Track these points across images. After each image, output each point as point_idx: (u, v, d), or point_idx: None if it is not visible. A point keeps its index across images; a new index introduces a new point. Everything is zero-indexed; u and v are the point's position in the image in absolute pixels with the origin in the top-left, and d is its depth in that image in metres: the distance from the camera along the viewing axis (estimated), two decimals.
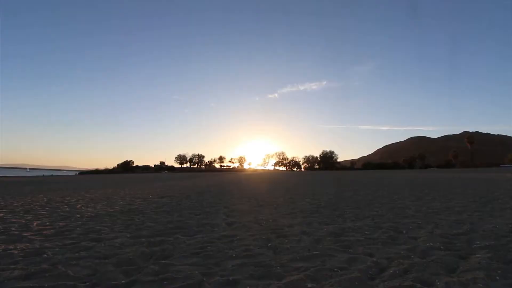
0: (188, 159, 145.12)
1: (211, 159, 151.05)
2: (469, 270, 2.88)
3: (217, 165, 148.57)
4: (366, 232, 4.63)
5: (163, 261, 3.35)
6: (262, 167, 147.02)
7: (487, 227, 4.75)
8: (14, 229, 5.29)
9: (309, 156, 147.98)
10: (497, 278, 2.67)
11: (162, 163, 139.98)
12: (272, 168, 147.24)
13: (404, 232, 4.62)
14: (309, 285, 2.63)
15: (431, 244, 3.81)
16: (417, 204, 7.93)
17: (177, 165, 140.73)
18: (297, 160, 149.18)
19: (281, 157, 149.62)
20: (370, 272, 2.91)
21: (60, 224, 5.75)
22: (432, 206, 7.47)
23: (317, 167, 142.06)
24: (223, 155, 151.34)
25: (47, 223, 5.83)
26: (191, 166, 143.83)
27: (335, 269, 2.98)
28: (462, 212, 6.44)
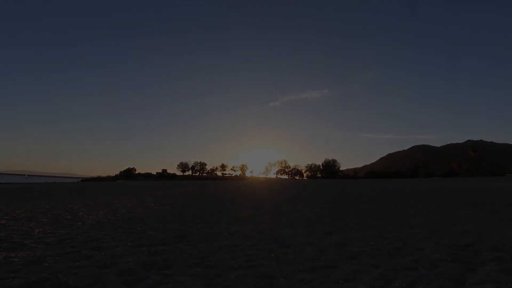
0: (190, 166, 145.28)
1: (213, 167, 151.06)
2: (478, 282, 2.80)
3: (219, 173, 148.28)
4: (371, 243, 4.55)
5: (164, 271, 3.30)
6: (264, 175, 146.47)
7: (495, 238, 4.65)
8: (15, 236, 5.28)
9: (311, 165, 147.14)
10: None
11: (164, 170, 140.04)
12: (274, 176, 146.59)
13: (409, 242, 4.53)
14: None
15: (438, 255, 3.72)
16: (422, 213, 7.82)
17: (179, 173, 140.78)
18: (299, 168, 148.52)
19: (283, 165, 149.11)
20: (376, 284, 2.84)
21: (62, 232, 5.73)
22: (437, 216, 7.35)
23: (319, 175, 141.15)
24: (225, 163, 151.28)
25: (49, 231, 5.81)
26: (193, 174, 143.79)
27: (340, 281, 2.92)
28: (468, 222, 6.33)
